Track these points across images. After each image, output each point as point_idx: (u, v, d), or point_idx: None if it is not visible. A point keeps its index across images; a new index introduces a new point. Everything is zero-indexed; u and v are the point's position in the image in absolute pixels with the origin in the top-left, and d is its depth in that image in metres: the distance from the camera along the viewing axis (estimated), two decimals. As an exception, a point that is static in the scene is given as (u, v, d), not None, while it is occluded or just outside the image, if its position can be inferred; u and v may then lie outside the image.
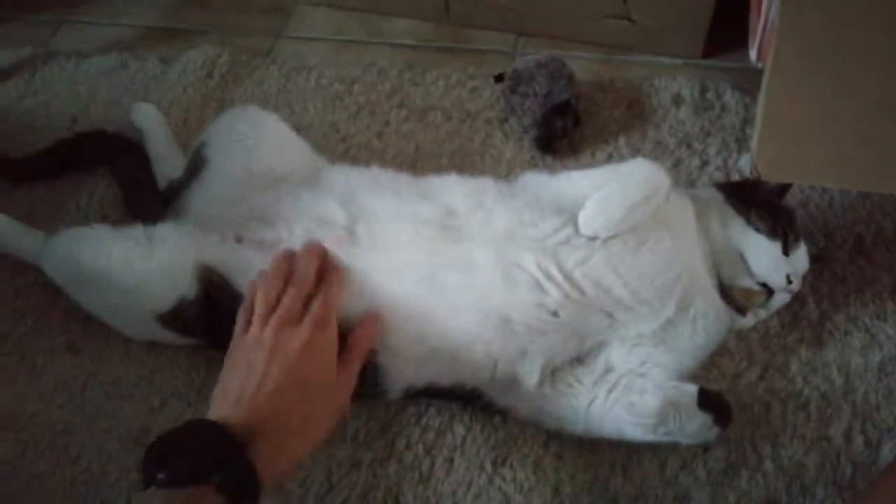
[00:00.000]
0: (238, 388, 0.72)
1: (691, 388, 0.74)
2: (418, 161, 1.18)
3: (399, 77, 1.30)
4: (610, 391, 0.81)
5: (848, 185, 1.02)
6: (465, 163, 1.17)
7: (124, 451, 0.89)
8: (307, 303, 0.79)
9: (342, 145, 1.20)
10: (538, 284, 0.81)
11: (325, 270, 0.82)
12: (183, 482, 0.62)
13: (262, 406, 0.70)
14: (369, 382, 0.83)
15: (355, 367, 0.77)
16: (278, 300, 0.79)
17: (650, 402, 0.73)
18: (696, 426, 0.74)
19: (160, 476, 0.63)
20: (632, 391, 0.75)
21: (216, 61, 1.34)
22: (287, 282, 0.81)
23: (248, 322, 0.79)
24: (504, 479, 0.85)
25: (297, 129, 1.09)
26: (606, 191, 0.82)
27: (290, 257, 0.84)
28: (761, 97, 0.83)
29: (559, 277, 0.81)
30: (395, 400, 0.89)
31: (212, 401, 0.74)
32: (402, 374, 0.84)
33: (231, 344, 0.79)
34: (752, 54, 1.00)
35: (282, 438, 0.69)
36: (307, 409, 0.72)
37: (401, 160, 1.17)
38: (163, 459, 0.64)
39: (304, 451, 0.74)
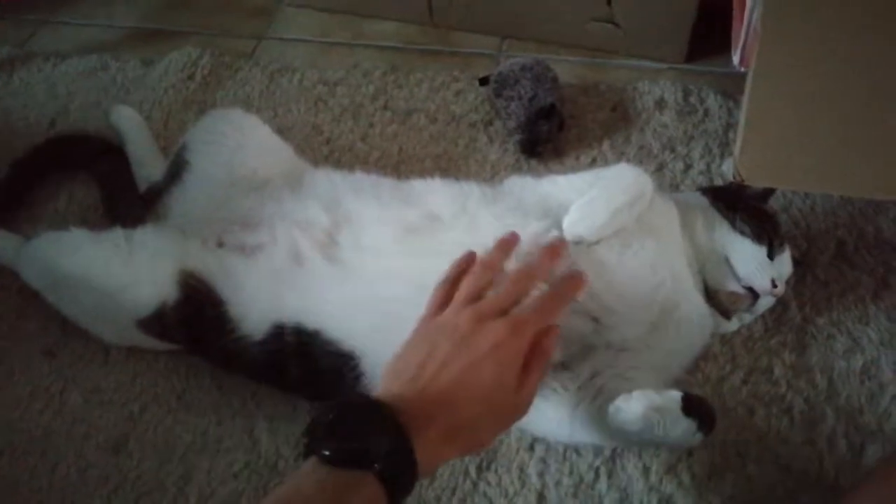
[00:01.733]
0: (417, 366, 0.67)
1: (675, 394, 0.74)
2: (402, 164, 1.17)
3: (383, 79, 1.30)
4: (595, 396, 0.80)
5: (830, 190, 1.02)
6: (449, 166, 1.16)
7: (103, 458, 0.88)
8: (517, 301, 0.73)
9: (325, 147, 1.20)
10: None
11: (559, 276, 0.77)
12: (347, 464, 0.59)
13: (437, 393, 0.65)
14: (351, 390, 0.82)
15: (537, 376, 0.70)
16: (484, 289, 0.73)
17: (634, 407, 0.73)
18: (679, 432, 0.74)
19: (325, 452, 0.60)
20: (616, 397, 0.75)
21: (198, 63, 1.33)
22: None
23: (444, 301, 0.73)
24: (489, 484, 0.84)
25: (281, 131, 1.09)
26: (590, 196, 0.82)
27: (513, 245, 0.78)
28: (744, 102, 0.83)
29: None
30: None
31: (383, 373, 0.69)
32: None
33: (422, 317, 0.73)
34: (735, 59, 1.00)
35: (448, 432, 0.64)
36: (481, 409, 0.66)
37: (385, 163, 1.17)
38: (332, 433, 0.61)
39: (465, 451, 0.70)
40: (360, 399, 0.66)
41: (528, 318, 0.70)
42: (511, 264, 0.77)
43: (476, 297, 0.72)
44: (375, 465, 0.59)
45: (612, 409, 0.74)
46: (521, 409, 0.70)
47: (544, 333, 0.71)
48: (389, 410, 0.62)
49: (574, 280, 0.76)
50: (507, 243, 0.78)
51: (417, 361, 0.67)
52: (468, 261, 0.76)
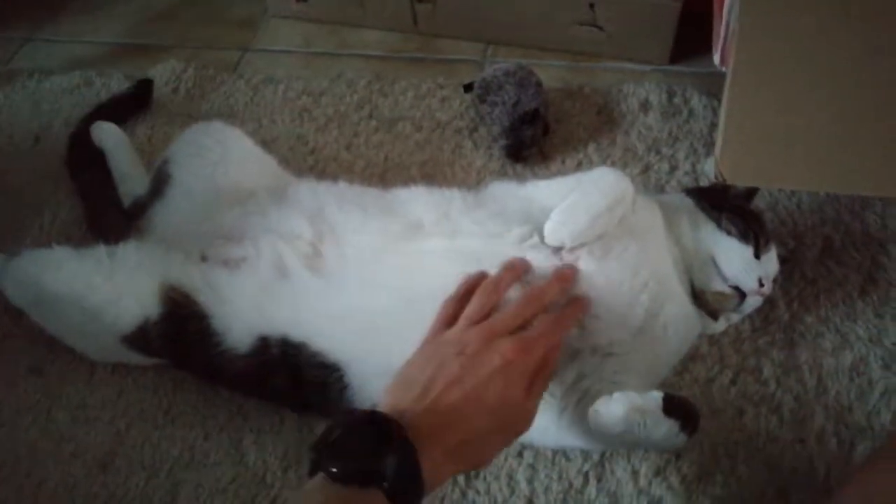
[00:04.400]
0: (425, 382, 0.67)
1: (656, 395, 0.73)
2: (388, 172, 1.17)
3: (367, 88, 1.30)
4: (579, 400, 0.80)
5: (812, 188, 1.02)
6: (435, 173, 1.16)
7: (90, 476, 0.87)
8: (525, 323, 0.74)
9: (311, 158, 1.20)
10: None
11: (568, 300, 0.79)
12: (355, 482, 0.59)
13: (446, 410, 0.66)
14: (336, 401, 0.82)
15: (540, 391, 0.73)
16: (492, 309, 0.75)
17: (615, 409, 0.73)
18: (662, 433, 0.73)
19: (333, 469, 0.60)
20: (597, 399, 0.75)
21: (182, 76, 1.33)
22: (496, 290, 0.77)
23: (451, 317, 0.75)
24: (478, 492, 0.84)
25: (266, 142, 1.09)
26: (570, 200, 0.81)
27: (525, 268, 0.80)
28: (723, 101, 0.83)
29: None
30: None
31: (389, 387, 0.69)
32: (370, 394, 0.83)
33: (429, 332, 0.75)
34: (716, 58, 1.00)
35: (455, 449, 0.65)
36: (488, 426, 0.67)
37: (370, 172, 1.17)
38: (339, 450, 0.61)
39: (469, 467, 0.71)
40: (368, 415, 0.64)
41: (537, 338, 0.72)
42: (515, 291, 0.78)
43: (483, 316, 0.74)
44: (384, 484, 0.59)
45: (592, 411, 0.74)
46: (525, 424, 0.72)
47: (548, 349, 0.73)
48: (397, 427, 0.62)
49: (579, 305, 0.79)
50: (517, 266, 0.80)
51: (426, 377, 0.68)
52: (477, 279, 0.78)
